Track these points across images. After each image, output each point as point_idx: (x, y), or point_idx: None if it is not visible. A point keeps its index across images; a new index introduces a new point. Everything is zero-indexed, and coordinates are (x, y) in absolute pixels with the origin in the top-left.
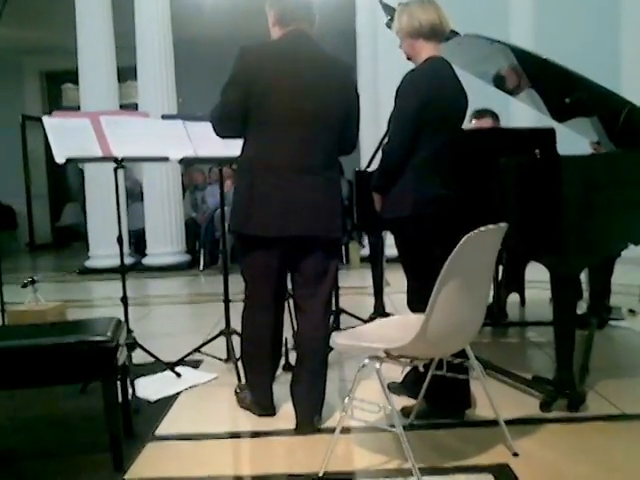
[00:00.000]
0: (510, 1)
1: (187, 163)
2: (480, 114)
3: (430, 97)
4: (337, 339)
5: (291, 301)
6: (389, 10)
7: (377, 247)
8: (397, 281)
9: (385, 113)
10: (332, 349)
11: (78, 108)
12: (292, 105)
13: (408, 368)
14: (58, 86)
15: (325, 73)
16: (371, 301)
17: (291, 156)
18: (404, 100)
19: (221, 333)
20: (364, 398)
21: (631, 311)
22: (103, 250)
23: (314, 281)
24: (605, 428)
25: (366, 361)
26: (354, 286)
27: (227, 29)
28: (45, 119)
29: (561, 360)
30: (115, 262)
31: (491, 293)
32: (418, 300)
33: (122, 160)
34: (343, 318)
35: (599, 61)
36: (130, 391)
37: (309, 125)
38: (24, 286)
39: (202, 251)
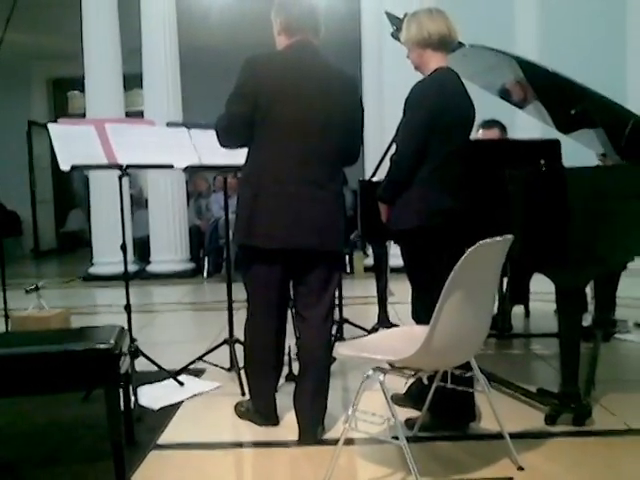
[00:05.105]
0: (516, 12)
1: (191, 171)
2: (488, 125)
3: (439, 107)
4: (340, 349)
5: (293, 310)
6: (395, 20)
7: (381, 257)
8: (401, 291)
9: (390, 123)
10: (335, 359)
11: (84, 115)
12: (297, 117)
13: (412, 379)
14: (64, 93)
15: (330, 85)
16: (375, 311)
17: (295, 168)
18: (413, 110)
19: (224, 342)
20: (367, 409)
21: (637, 324)
22: (107, 257)
23: (317, 291)
24: (611, 442)
25: (370, 372)
26: (358, 296)
27: (233, 37)
28: (50, 126)
29: (566, 373)
30: (119, 269)
31: (496, 305)
32: (423, 311)
33: (127, 167)
34: (346, 328)
35: (604, 73)
36: (133, 399)
37: (313, 137)
38: (28, 292)
39: (206, 259)
